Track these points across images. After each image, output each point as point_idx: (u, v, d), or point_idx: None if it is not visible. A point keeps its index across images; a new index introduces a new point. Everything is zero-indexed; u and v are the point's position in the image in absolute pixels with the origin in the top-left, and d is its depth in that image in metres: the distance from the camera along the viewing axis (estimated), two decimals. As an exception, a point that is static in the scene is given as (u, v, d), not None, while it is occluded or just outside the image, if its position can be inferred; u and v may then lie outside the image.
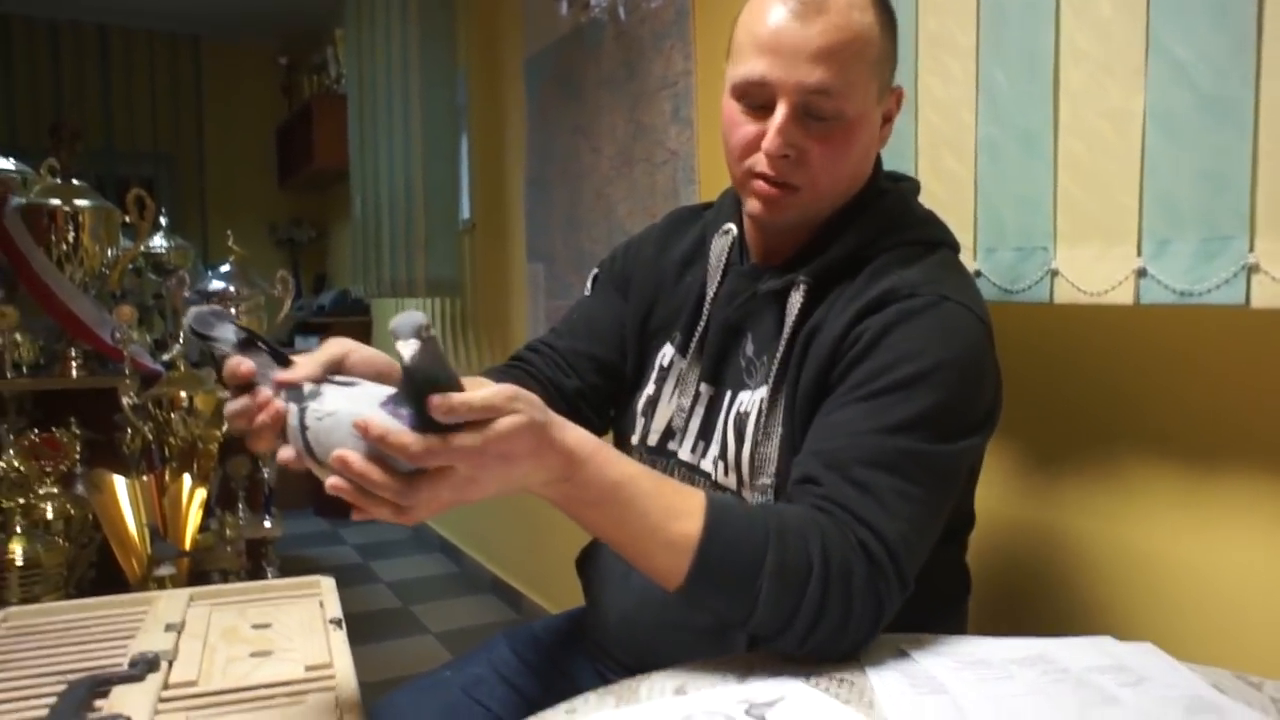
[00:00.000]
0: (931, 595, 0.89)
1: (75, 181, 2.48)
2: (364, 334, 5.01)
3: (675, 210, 1.21)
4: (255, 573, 2.48)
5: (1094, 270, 1.05)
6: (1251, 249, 0.88)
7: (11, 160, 2.60)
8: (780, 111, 0.90)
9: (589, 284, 1.21)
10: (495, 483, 0.71)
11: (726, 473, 0.99)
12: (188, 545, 2.15)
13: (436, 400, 0.65)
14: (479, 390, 0.68)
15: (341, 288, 5.22)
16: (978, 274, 1.18)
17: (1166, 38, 0.96)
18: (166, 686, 0.84)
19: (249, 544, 2.50)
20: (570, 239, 2.64)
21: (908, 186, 1.04)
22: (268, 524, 2.56)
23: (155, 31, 5.47)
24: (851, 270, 0.95)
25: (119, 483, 2.09)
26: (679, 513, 0.77)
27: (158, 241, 2.90)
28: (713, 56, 2.00)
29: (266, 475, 2.59)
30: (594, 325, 1.14)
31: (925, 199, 1.23)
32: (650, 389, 1.09)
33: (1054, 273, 1.10)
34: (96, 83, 5.36)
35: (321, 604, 1.09)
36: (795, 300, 0.95)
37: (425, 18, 3.32)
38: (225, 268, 2.62)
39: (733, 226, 1.06)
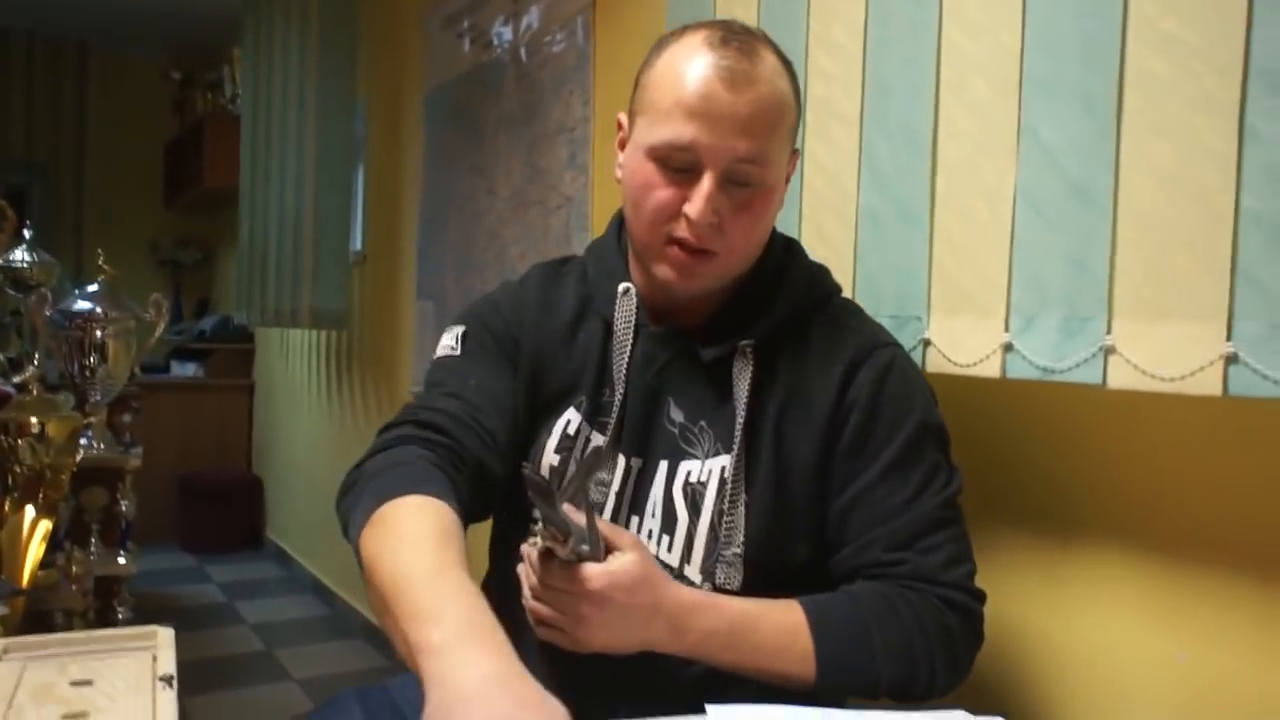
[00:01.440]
0: None
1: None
2: (246, 361, 4.82)
3: (539, 268, 1.11)
4: (104, 613, 2.32)
5: (964, 342, 1.07)
6: (1109, 331, 0.91)
7: None
8: (708, 179, 0.89)
9: (457, 341, 1.05)
10: (606, 622, 0.83)
11: (670, 549, 0.96)
12: (25, 582, 2.00)
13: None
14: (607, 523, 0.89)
15: (225, 313, 5.03)
16: (855, 339, 1.20)
17: (1037, 122, 0.99)
18: (-42, 754, 0.76)
19: (100, 582, 2.34)
20: (461, 278, 2.60)
21: (795, 240, 1.07)
22: (121, 560, 2.41)
23: (36, 35, 5.22)
24: (793, 331, 0.98)
25: (-48, 513, 1.93)
26: (790, 629, 0.89)
27: (19, 255, 2.73)
28: (611, 104, 2.00)
29: (125, 508, 2.44)
30: (498, 400, 1.00)
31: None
32: (553, 459, 1.01)
33: (927, 342, 1.12)
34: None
35: (155, 658, 1.01)
36: (743, 367, 0.95)
37: (325, 45, 3.26)
38: (93, 287, 2.49)
39: (631, 286, 1.01)
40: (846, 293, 1.21)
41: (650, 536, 0.97)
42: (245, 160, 3.77)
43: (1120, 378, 0.90)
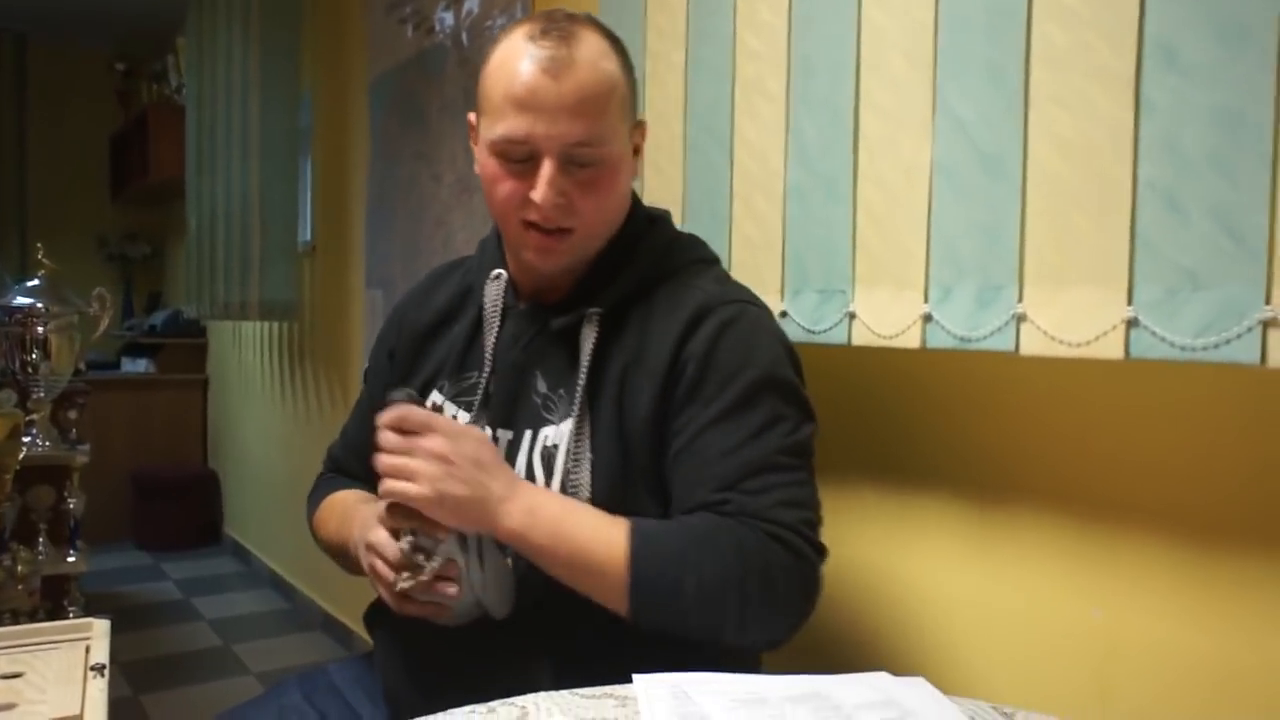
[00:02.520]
0: None
1: None
2: (199, 356, 4.77)
3: (435, 268, 1.24)
4: (54, 613, 2.30)
5: (887, 314, 1.09)
6: (1020, 299, 0.94)
7: None
8: (546, 166, 0.94)
9: (363, 376, 1.26)
10: (464, 474, 0.88)
11: None
12: (-29, 583, 1.98)
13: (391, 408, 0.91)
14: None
15: (175, 307, 4.96)
16: (783, 315, 1.21)
17: (950, 95, 1.01)
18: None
19: (49, 581, 2.32)
20: (409, 266, 2.59)
21: (665, 214, 1.10)
22: (71, 559, 2.39)
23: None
24: (642, 297, 1.00)
25: (-110, 514, 1.91)
26: (607, 540, 0.88)
27: (-42, 252, 2.68)
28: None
29: (73, 505, 2.42)
30: (357, 440, 1.19)
31: (738, 240, 1.26)
32: None
33: (852, 315, 1.14)
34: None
35: (88, 649, 1.01)
36: (589, 333, 0.99)
37: (268, 35, 3.22)
38: (34, 283, 2.45)
39: (502, 271, 1.08)
40: (774, 268, 1.23)
41: None
42: (191, 152, 3.72)
43: (1031, 344, 0.92)
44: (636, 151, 1.04)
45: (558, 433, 0.98)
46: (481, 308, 1.08)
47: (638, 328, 0.99)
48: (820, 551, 0.91)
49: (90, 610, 2.39)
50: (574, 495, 0.96)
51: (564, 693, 0.77)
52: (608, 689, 0.78)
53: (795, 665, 1.00)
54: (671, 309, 0.98)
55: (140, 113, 4.85)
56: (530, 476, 0.99)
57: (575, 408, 0.97)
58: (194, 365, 4.75)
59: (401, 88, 2.63)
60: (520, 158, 0.95)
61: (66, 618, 2.36)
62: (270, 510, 3.85)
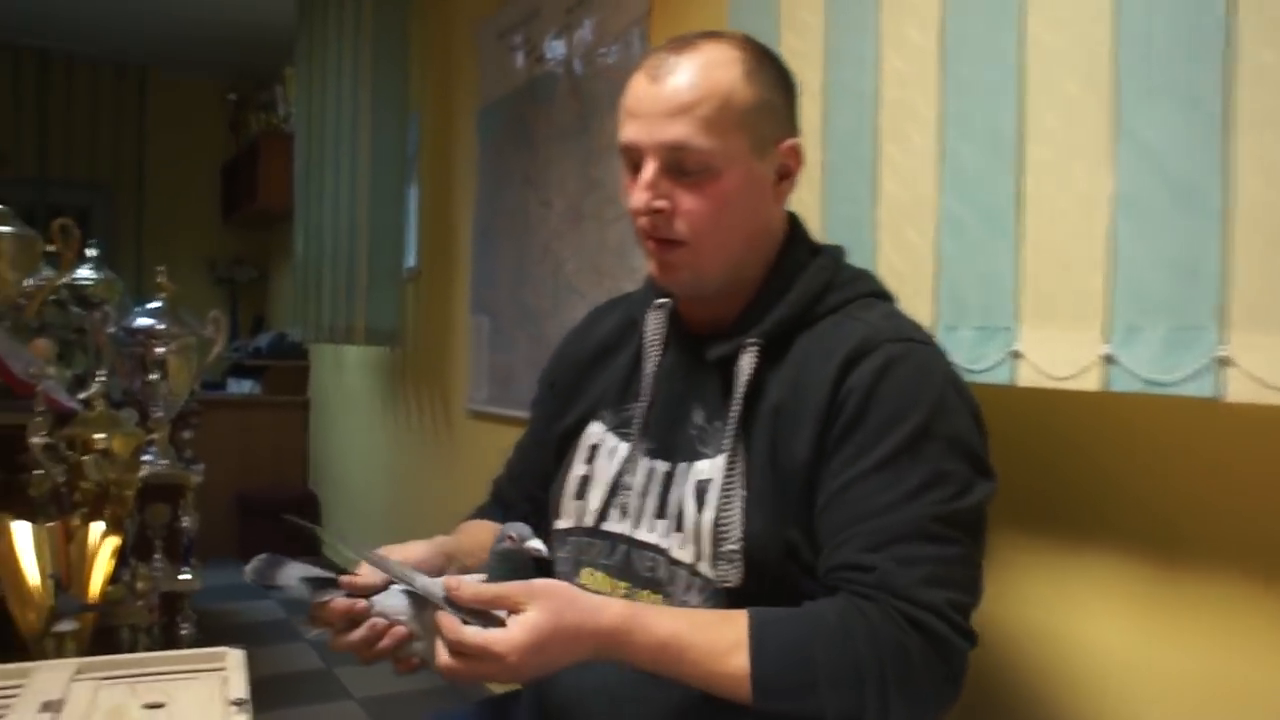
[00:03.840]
0: None
1: (-5, 209, 2.36)
2: (302, 378, 4.87)
3: (597, 306, 1.24)
4: (169, 629, 2.33)
5: (1059, 354, 1.02)
6: (1224, 341, 0.86)
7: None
8: (645, 168, 0.93)
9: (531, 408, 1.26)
10: (533, 670, 0.82)
11: (684, 545, 0.95)
12: (94, 598, 2.01)
13: (451, 583, 0.85)
14: (494, 586, 0.84)
15: (280, 330, 5.08)
16: (937, 351, 1.15)
17: (1134, 121, 0.94)
18: (34, 781, 0.74)
19: (164, 597, 2.35)
20: (516, 293, 2.58)
21: (836, 247, 1.05)
22: (185, 576, 2.42)
23: (99, 60, 5.34)
24: (803, 329, 0.96)
25: (20, 528, 1.95)
26: (726, 650, 0.83)
27: (85, 273, 2.77)
28: (670, 116, 1.97)
29: (187, 524, 2.46)
30: (523, 472, 1.21)
31: (884, 271, 1.20)
32: (581, 469, 1.06)
33: (1016, 354, 1.07)
34: (32, 108, 5.21)
35: (226, 680, 0.99)
36: (746, 363, 0.95)
37: (379, 63, 3.28)
38: (154, 304, 2.52)
39: (666, 300, 1.05)
40: (925, 303, 1.17)
41: (672, 537, 0.97)
42: (299, 178, 3.81)
43: (1240, 391, 0.84)
44: (785, 176, 0.99)
45: (711, 467, 0.95)
46: (643, 338, 1.05)
47: (797, 361, 0.94)
48: (967, 637, 0.84)
49: (199, 627, 2.42)
50: (726, 533, 0.91)
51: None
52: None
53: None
54: (833, 343, 0.92)
55: (250, 141, 5.02)
56: (680, 514, 0.95)
57: (728, 441, 0.93)
58: (297, 388, 4.85)
59: (511, 114, 2.64)
60: (634, 166, 0.95)
61: (179, 634, 2.39)
62: (368, 533, 3.88)
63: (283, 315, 5.34)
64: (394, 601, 0.91)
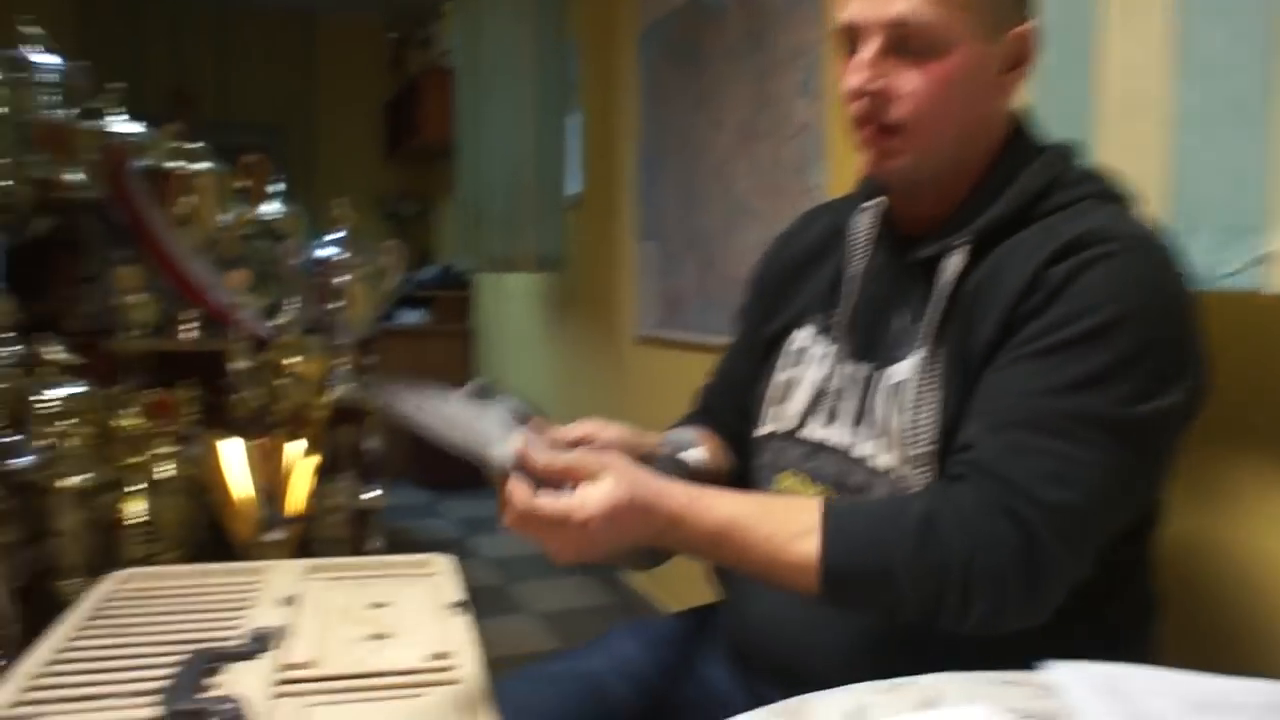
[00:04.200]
0: (1107, 610, 0.86)
1: (192, 145, 2.49)
2: (464, 308, 5.02)
3: (806, 211, 1.18)
4: (357, 544, 2.47)
5: (1318, 255, 0.92)
6: None
7: (138, 124, 2.63)
8: (864, 47, 0.87)
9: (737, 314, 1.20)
10: (607, 539, 0.79)
11: (882, 450, 0.91)
12: (297, 512, 2.14)
13: (523, 451, 0.80)
14: (570, 454, 0.81)
15: (444, 263, 5.24)
16: (1170, 257, 1.05)
17: None
18: (282, 667, 0.79)
19: (353, 514, 2.49)
20: (685, 218, 2.55)
21: (1064, 146, 0.95)
22: (373, 493, 2.55)
23: (271, 8, 5.55)
24: (1018, 228, 0.88)
25: (229, 445, 2.09)
26: (794, 534, 0.80)
27: (271, 208, 2.91)
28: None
29: (372, 444, 2.58)
30: (731, 379, 1.16)
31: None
32: (785, 374, 1.03)
33: (1264, 258, 0.97)
34: (214, 56, 5.48)
35: (440, 584, 1.03)
36: (952, 264, 0.89)
37: (539, -11, 3.27)
38: (337, 234, 2.62)
39: (878, 201, 1.00)
40: (1155, 204, 1.07)
41: (870, 444, 0.93)
42: (460, 111, 3.87)
43: None
44: (1015, 65, 0.90)
45: (907, 368, 0.90)
46: (849, 241, 1.01)
47: (1003, 259, 0.87)
48: (1073, 551, 0.76)
49: (386, 541, 2.55)
50: (920, 435, 0.87)
51: (977, 676, 0.68)
52: (1026, 675, 0.69)
53: (1191, 664, 0.87)
54: (1045, 239, 0.84)
55: (410, 79, 5.13)
56: (877, 418, 0.92)
57: (924, 341, 0.88)
58: (462, 317, 5.02)
59: (676, 34, 2.59)
60: (851, 48, 0.89)
61: (367, 550, 2.53)
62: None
63: (446, 248, 5.50)
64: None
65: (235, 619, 0.89)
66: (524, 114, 3.31)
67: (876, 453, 0.92)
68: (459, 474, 4.61)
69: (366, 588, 1.01)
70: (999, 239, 0.88)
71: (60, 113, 2.58)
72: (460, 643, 0.86)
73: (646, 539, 0.82)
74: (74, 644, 0.84)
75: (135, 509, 1.83)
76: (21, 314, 2.23)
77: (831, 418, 0.97)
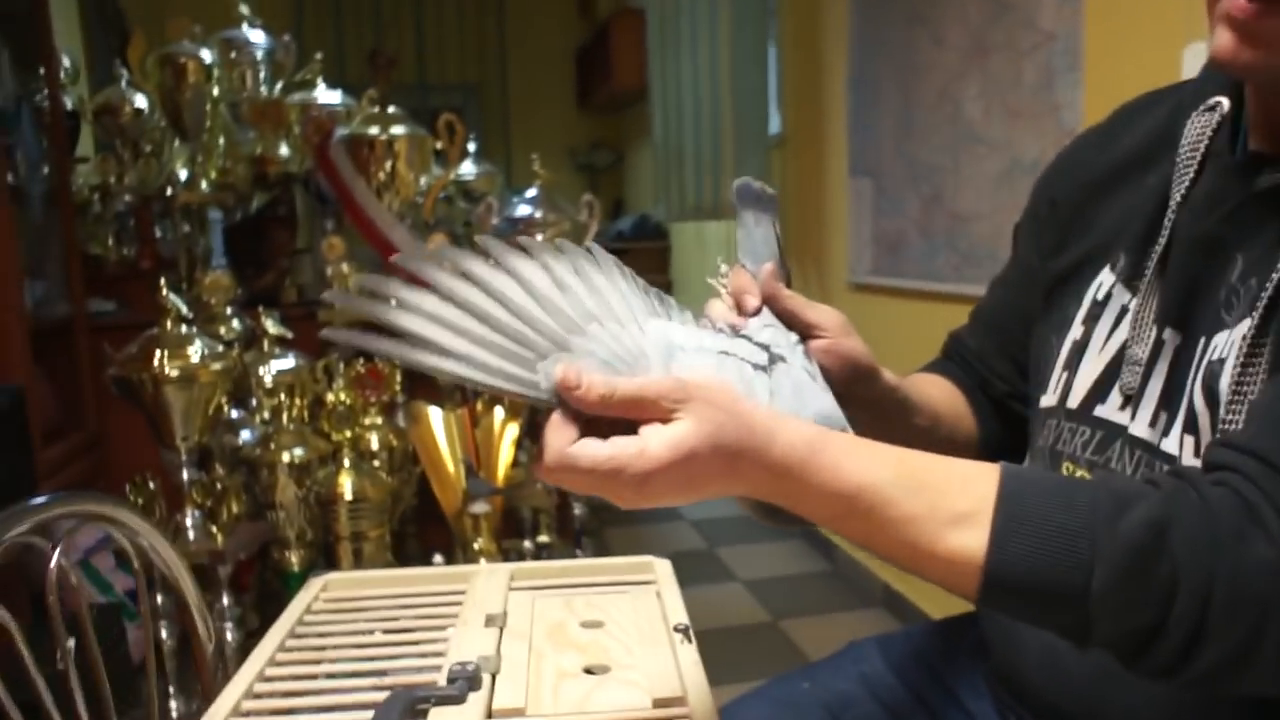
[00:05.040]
0: None
1: (391, 110, 2.47)
2: (662, 259, 4.92)
3: (1126, 102, 0.88)
4: (563, 509, 2.42)
5: None
6: None
7: (338, 93, 2.65)
8: None
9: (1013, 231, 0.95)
10: (672, 494, 0.57)
11: (1195, 451, 0.68)
12: (500, 481, 2.11)
13: (570, 378, 0.56)
14: (634, 380, 0.58)
15: (641, 212, 5.15)
16: None
17: None
18: (490, 714, 0.68)
19: (549, 481, 2.44)
20: (904, 148, 2.30)
21: None
22: (573, 457, 2.49)
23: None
24: None
25: (435, 415, 2.07)
26: (951, 519, 0.58)
27: (466, 168, 2.88)
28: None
29: (572, 407, 2.52)
30: (1000, 321, 0.93)
31: None
32: (1076, 331, 0.80)
33: None
34: (411, 17, 5.57)
35: (659, 596, 0.90)
36: None
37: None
38: (531, 193, 2.55)
39: (1224, 100, 0.73)
40: None
41: (1180, 440, 0.70)
42: (653, 53, 3.72)
43: None
44: None
45: (1227, 342, 0.67)
46: (1181, 152, 0.75)
47: None
48: None
49: (587, 508, 2.49)
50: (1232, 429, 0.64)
51: None
52: None
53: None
54: None
55: (601, 24, 5.03)
56: (1190, 408, 0.69)
57: (1258, 306, 0.64)
58: (660, 268, 4.92)
59: (889, -57, 2.31)
60: None
61: (572, 514, 2.49)
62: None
63: (641, 198, 5.40)
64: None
65: (437, 643, 0.80)
66: (721, 49, 3.12)
67: (1185, 453, 0.69)
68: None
69: (577, 601, 0.89)
70: None
71: (267, 90, 2.63)
72: (690, 684, 0.72)
73: (735, 492, 0.61)
74: (268, 678, 0.77)
75: (346, 484, 1.83)
76: (241, 289, 2.29)
77: (1132, 398, 0.75)
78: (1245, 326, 0.65)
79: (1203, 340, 0.70)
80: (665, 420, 0.57)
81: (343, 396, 1.97)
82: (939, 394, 0.90)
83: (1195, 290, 0.72)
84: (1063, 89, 1.68)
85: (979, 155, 1.95)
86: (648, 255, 4.92)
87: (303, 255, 2.68)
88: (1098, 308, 0.79)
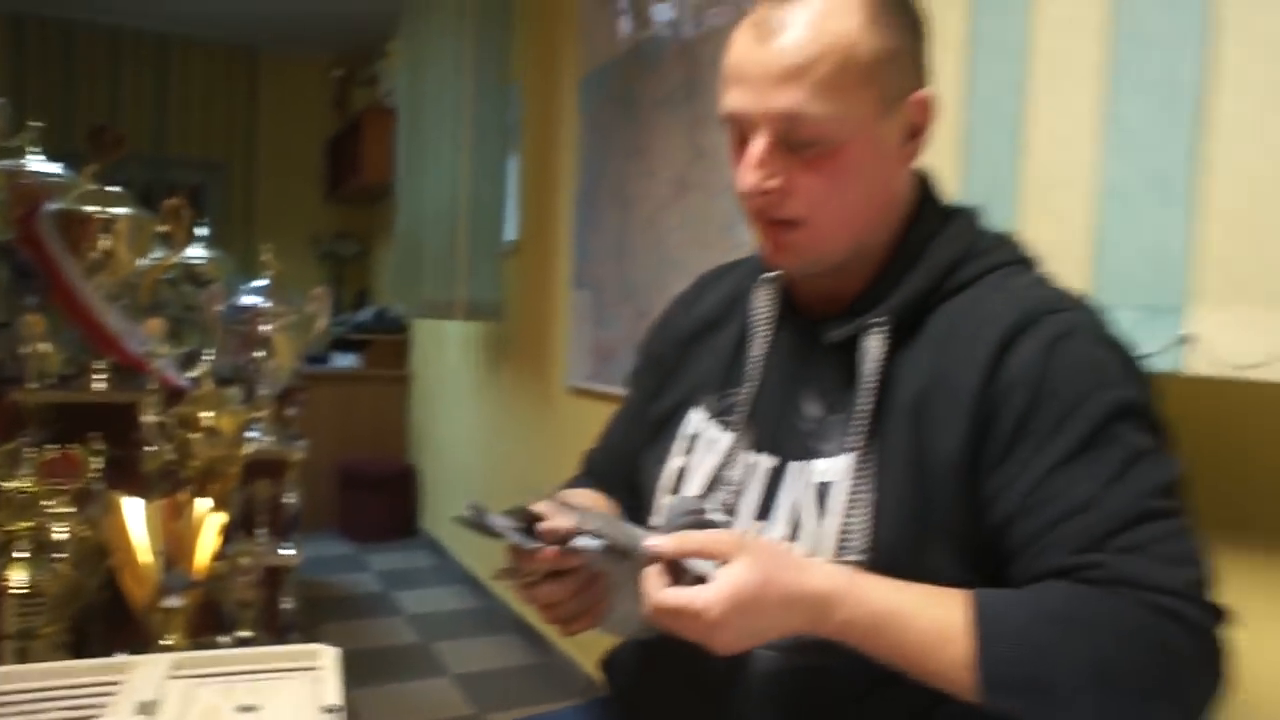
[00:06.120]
0: None
1: (113, 189, 2.39)
2: (401, 351, 4.91)
3: (704, 273, 1.11)
4: (270, 604, 2.35)
5: (1241, 338, 0.89)
6: None
7: (59, 165, 2.53)
8: (752, 144, 0.80)
9: (627, 380, 1.15)
10: (739, 632, 0.73)
11: (802, 552, 0.84)
12: (200, 574, 2.03)
13: (653, 545, 0.77)
14: (700, 533, 0.76)
15: (382, 305, 5.14)
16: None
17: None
18: (124, 794, 0.70)
19: (267, 571, 2.37)
20: (619, 267, 2.51)
21: (970, 208, 0.91)
22: (287, 551, 2.43)
23: (213, 42, 5.45)
24: (938, 305, 0.83)
25: (131, 505, 1.97)
26: (944, 636, 0.72)
27: (196, 252, 2.81)
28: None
29: (290, 500, 2.47)
30: (619, 451, 1.10)
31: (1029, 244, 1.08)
32: (678, 461, 0.96)
33: (1188, 338, 0.94)
34: (152, 90, 5.35)
35: (320, 681, 0.94)
36: (873, 346, 0.82)
37: (482, 31, 3.23)
38: (260, 282, 2.53)
39: (778, 274, 0.93)
40: (1077, 279, 1.04)
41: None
42: (400, 152, 3.80)
43: None
44: (915, 133, 0.85)
45: (834, 467, 0.83)
46: (750, 315, 0.94)
47: (935, 341, 0.82)
48: (1217, 618, 0.71)
49: (299, 600, 2.43)
50: (848, 544, 0.80)
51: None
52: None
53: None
54: (980, 320, 0.80)
55: (354, 117, 5.06)
56: (795, 520, 0.85)
57: (856, 438, 0.82)
58: (398, 362, 4.90)
59: (615, 82, 2.56)
60: (740, 139, 0.83)
61: (279, 610, 2.41)
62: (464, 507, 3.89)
63: (384, 289, 5.39)
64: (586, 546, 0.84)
65: (81, 730, 0.80)
66: (462, 156, 3.26)
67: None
68: (383, 527, 4.51)
69: (239, 688, 0.92)
70: (917, 316, 0.84)
71: (-32, 154, 2.47)
72: (327, 757, 0.78)
73: (794, 628, 0.74)
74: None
75: (18, 578, 1.71)
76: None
77: (730, 510, 0.90)
78: (849, 459, 0.82)
79: (796, 465, 0.86)
80: (725, 563, 0.73)
81: (23, 484, 1.85)
82: (604, 503, 1.04)
83: (780, 424, 0.89)
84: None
85: (677, 279, 2.18)
86: (389, 348, 4.90)
87: (1, 330, 2.49)
88: (693, 443, 0.95)
